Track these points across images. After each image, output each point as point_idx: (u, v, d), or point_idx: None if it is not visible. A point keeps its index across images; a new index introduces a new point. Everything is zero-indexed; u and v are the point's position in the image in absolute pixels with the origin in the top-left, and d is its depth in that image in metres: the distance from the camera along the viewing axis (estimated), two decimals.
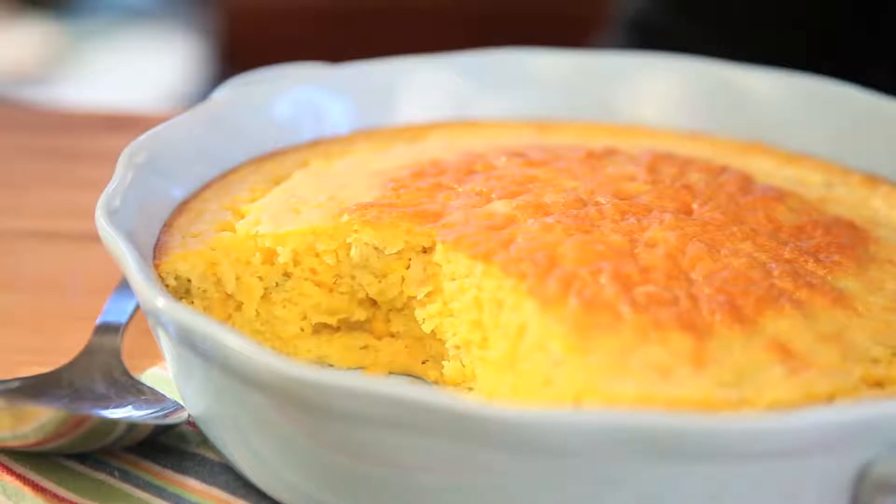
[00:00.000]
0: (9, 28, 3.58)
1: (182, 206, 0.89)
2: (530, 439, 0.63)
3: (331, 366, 0.90)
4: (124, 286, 0.94)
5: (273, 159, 0.98)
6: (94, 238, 0.81)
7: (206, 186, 0.93)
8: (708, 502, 0.66)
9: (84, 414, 0.78)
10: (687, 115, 1.08)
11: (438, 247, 0.84)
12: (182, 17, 3.61)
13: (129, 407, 0.81)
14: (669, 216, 0.85)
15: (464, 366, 0.86)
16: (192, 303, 0.85)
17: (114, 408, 0.81)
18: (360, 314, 0.90)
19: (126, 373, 0.85)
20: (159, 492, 0.77)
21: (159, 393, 0.83)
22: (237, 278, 0.86)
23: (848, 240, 0.86)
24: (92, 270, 1.03)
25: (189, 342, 0.70)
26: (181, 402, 0.81)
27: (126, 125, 1.32)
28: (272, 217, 0.88)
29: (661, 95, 1.09)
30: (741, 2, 1.63)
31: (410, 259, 0.87)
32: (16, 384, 0.82)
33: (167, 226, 0.87)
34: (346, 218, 0.86)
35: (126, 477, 0.78)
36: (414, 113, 1.07)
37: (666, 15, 1.63)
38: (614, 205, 0.86)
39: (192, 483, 0.78)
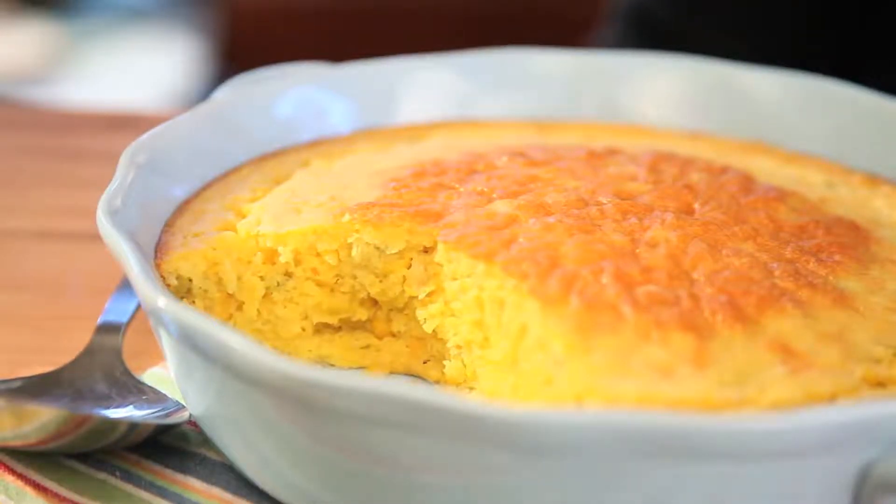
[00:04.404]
0: (9, 28, 3.58)
1: (183, 206, 0.89)
2: (531, 439, 0.63)
3: (332, 365, 0.90)
4: (125, 286, 0.94)
5: (274, 159, 0.98)
6: (95, 238, 0.81)
7: (208, 186, 0.93)
8: (709, 502, 0.66)
9: (85, 414, 0.78)
10: (688, 115, 1.08)
11: (440, 246, 0.84)
12: (183, 16, 3.61)
13: (131, 407, 0.81)
14: (671, 216, 0.85)
15: (465, 365, 0.86)
16: (194, 302, 0.85)
17: (115, 407, 0.81)
18: (361, 314, 0.90)
19: (127, 372, 0.85)
20: (161, 491, 0.77)
21: (160, 392, 0.83)
22: (238, 278, 0.86)
23: (849, 240, 0.86)
24: (92, 270, 1.03)
25: (190, 342, 0.70)
26: (182, 402, 0.81)
27: (127, 125, 1.32)
28: (273, 217, 0.88)
29: (662, 95, 1.09)
30: None
31: (412, 259, 0.87)
32: (17, 384, 0.82)
33: (168, 225, 0.87)
34: (347, 218, 0.86)
35: (127, 477, 0.78)
36: (415, 113, 1.07)
37: (666, 8, 1.63)
38: (616, 204, 0.86)
39: (194, 483, 0.78)
